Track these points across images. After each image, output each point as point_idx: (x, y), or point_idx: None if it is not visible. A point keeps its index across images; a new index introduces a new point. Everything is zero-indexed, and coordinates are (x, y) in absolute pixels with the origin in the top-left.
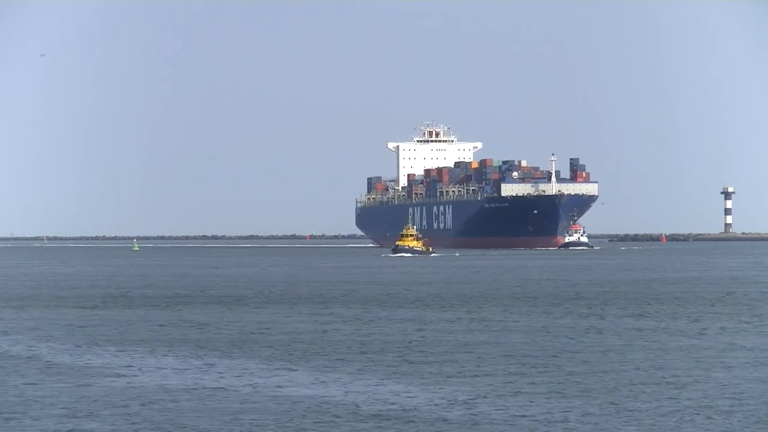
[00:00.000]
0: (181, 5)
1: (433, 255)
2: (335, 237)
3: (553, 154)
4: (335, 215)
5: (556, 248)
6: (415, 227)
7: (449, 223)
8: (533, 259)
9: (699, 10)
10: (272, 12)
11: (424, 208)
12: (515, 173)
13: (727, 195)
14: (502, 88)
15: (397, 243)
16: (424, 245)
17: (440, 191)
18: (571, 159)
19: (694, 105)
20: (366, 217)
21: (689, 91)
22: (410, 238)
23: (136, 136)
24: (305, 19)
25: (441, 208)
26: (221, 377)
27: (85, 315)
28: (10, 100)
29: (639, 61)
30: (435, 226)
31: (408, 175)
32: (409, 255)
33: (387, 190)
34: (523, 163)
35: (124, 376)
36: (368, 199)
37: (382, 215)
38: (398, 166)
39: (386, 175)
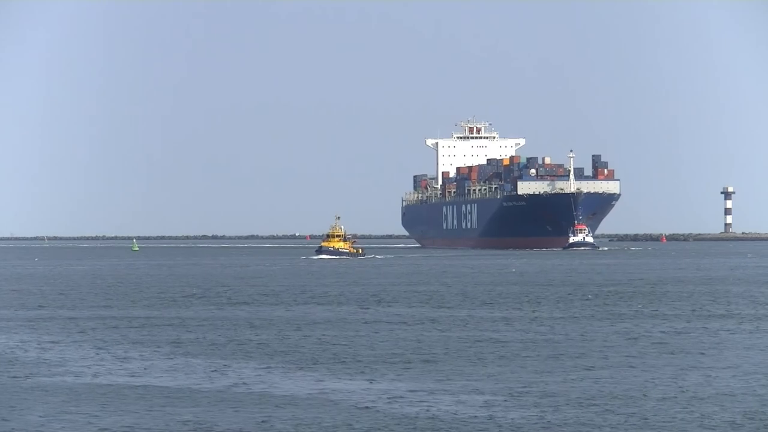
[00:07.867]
0: (196, 5)
1: (363, 257)
2: None
3: (571, 151)
4: (383, 214)
5: (561, 249)
6: (342, 228)
7: (474, 223)
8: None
9: (698, 9)
10: (310, 9)
11: (454, 207)
12: (532, 171)
13: (727, 195)
14: (548, 84)
15: (322, 244)
16: (351, 247)
17: (468, 189)
18: (593, 155)
19: (694, 105)
20: (410, 215)
21: (689, 91)
22: (336, 239)
23: (137, 136)
24: (346, 14)
25: (468, 207)
26: None
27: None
28: (11, 100)
29: (638, 61)
30: (463, 225)
31: (443, 173)
32: (334, 257)
33: (427, 188)
34: (547, 160)
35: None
36: (413, 197)
37: (422, 214)
38: (437, 164)
39: (431, 173)
